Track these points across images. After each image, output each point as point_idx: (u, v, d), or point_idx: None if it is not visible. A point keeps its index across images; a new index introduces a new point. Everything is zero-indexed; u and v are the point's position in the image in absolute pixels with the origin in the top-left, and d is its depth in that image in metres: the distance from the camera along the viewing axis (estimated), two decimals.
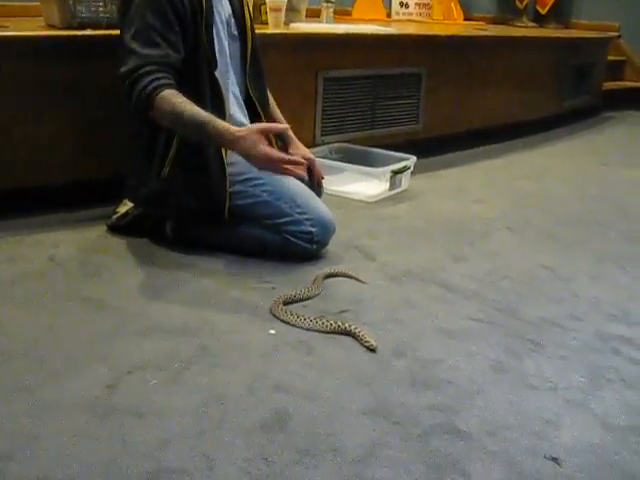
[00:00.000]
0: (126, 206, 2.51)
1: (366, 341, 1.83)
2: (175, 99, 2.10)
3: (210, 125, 2.07)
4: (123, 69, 2.15)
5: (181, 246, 2.42)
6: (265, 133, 2.09)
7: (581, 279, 2.43)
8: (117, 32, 2.34)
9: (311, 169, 2.52)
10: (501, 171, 3.96)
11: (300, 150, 2.56)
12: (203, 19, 2.25)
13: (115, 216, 2.53)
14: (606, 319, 2.12)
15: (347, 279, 2.27)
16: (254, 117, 2.51)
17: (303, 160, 2.18)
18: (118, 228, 2.53)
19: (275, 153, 2.06)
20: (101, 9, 2.62)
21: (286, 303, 2.02)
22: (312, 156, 2.56)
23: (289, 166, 2.07)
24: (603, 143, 5.04)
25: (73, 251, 2.40)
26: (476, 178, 3.75)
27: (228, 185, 2.32)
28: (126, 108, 2.28)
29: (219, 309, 2.01)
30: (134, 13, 2.18)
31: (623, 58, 6.74)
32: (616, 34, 6.40)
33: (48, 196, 2.68)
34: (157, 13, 2.16)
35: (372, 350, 1.81)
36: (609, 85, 6.33)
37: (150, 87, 2.10)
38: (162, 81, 2.12)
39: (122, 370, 1.66)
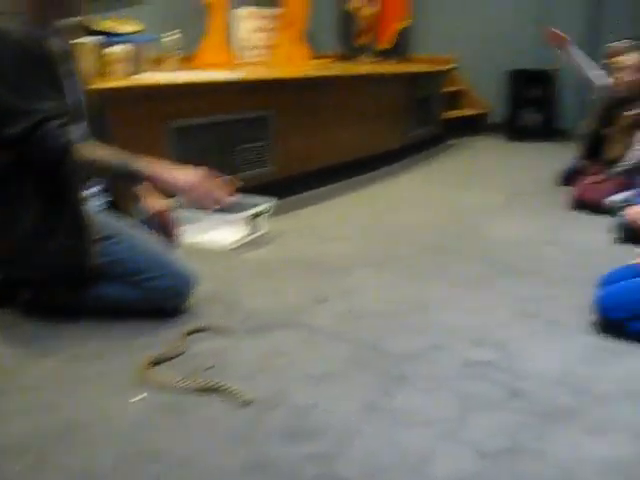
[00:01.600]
0: None
1: (239, 396, 1.80)
2: (89, 151, 2.12)
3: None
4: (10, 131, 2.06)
5: (37, 311, 2.31)
6: None
7: (440, 307, 2.50)
8: None
9: (166, 221, 2.48)
10: (356, 206, 4.04)
11: (154, 202, 2.52)
12: (50, 75, 2.17)
13: None
14: (468, 345, 2.19)
15: (213, 332, 2.23)
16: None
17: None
18: None
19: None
20: None
21: (151, 364, 1.96)
22: (166, 208, 2.52)
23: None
24: (450, 170, 5.26)
25: None
26: (333, 215, 3.82)
27: (88, 244, 2.24)
28: None
29: (82, 378, 1.93)
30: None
31: (460, 88, 7.09)
32: (453, 66, 6.72)
33: None
34: (15, 73, 2.08)
35: (246, 404, 1.78)
36: (450, 114, 6.63)
37: (63, 144, 2.07)
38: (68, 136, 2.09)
39: None
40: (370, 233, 3.47)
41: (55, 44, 2.24)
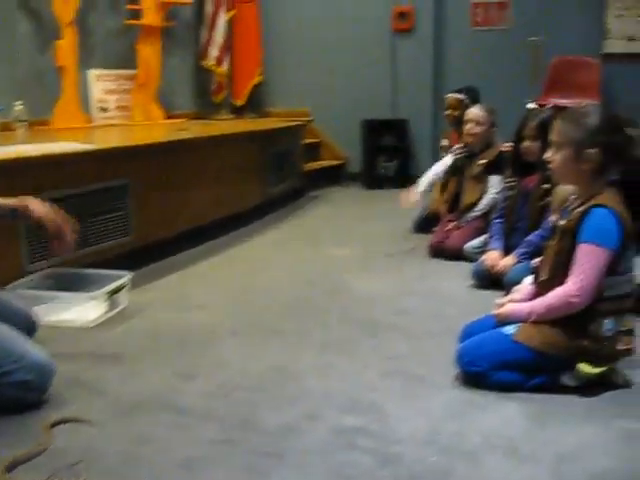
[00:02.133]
0: None
1: None
2: None
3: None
4: None
5: None
6: None
7: (310, 374, 2.50)
8: None
9: (54, 224, 2.38)
10: (220, 269, 4.00)
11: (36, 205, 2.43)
12: None
13: None
14: (339, 412, 2.20)
15: (76, 423, 2.13)
16: None
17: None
18: None
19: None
20: None
21: (10, 468, 1.84)
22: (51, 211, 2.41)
23: None
24: (312, 224, 5.31)
25: None
26: (197, 281, 3.76)
27: None
28: None
29: None
30: None
31: (318, 140, 7.23)
32: (309, 118, 6.86)
33: None
34: None
35: None
36: (309, 166, 6.74)
37: None
38: None
39: None
40: (236, 298, 3.44)
41: None
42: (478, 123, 4.31)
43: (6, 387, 2.15)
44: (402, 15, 6.88)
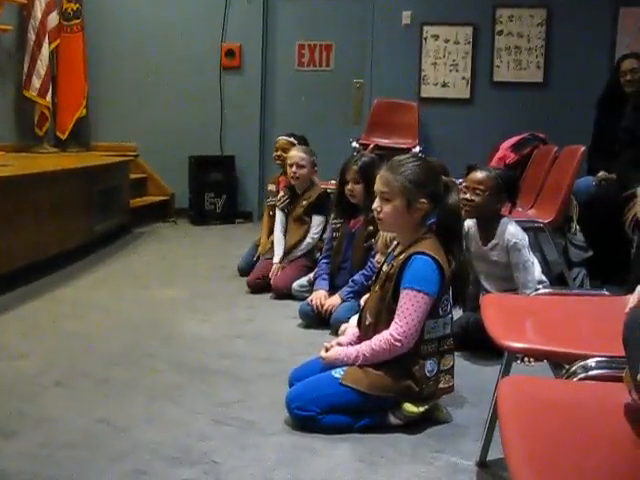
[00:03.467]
0: None
1: None
2: None
3: None
4: None
5: None
6: None
7: (138, 425, 2.44)
8: None
9: None
10: (42, 313, 3.80)
11: None
12: None
13: None
14: (170, 465, 2.17)
15: None
16: None
17: None
18: None
19: None
20: None
21: None
22: None
23: None
24: (139, 263, 5.20)
25: None
26: (16, 328, 3.54)
27: None
28: None
29: None
30: None
31: (144, 175, 7.12)
32: (134, 154, 6.75)
33: None
34: None
35: None
36: (136, 202, 6.62)
37: None
38: None
39: None
40: (59, 345, 3.28)
41: None
42: (300, 166, 4.42)
43: None
44: (230, 52, 6.95)
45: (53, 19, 6.65)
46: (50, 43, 6.64)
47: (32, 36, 6.54)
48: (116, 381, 2.86)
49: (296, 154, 4.46)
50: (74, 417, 2.51)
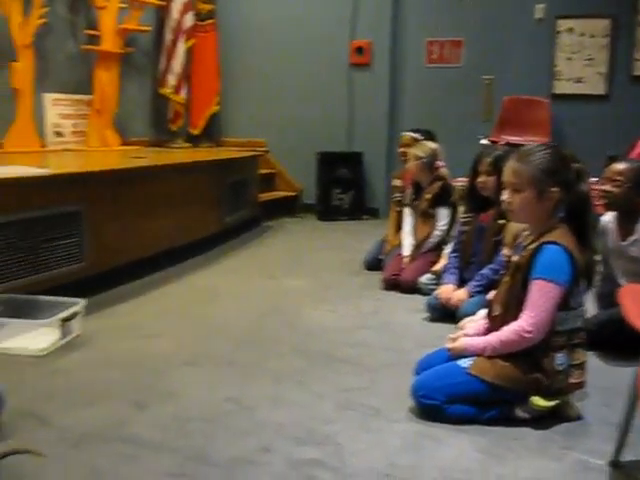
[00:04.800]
0: None
1: None
2: None
3: None
4: None
5: None
6: None
7: (264, 405, 2.48)
8: None
9: None
10: (174, 298, 3.96)
11: None
12: None
13: None
14: (294, 444, 2.18)
15: (24, 455, 2.07)
16: None
17: None
18: None
19: None
20: None
21: None
22: None
23: None
24: (267, 254, 5.30)
25: None
26: (150, 309, 3.71)
27: None
28: None
29: None
30: None
31: (273, 171, 7.25)
32: (264, 149, 6.88)
33: None
34: None
35: None
36: (264, 196, 6.75)
37: None
38: None
39: None
40: (190, 327, 3.40)
41: None
42: (417, 158, 4.39)
43: None
44: (359, 49, 6.97)
45: (189, 19, 6.88)
46: (185, 42, 6.87)
47: (168, 36, 6.81)
48: (243, 363, 2.92)
49: (414, 151, 4.45)
50: (202, 394, 2.58)
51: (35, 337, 2.99)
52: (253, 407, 2.46)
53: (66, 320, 3.04)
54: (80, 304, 3.16)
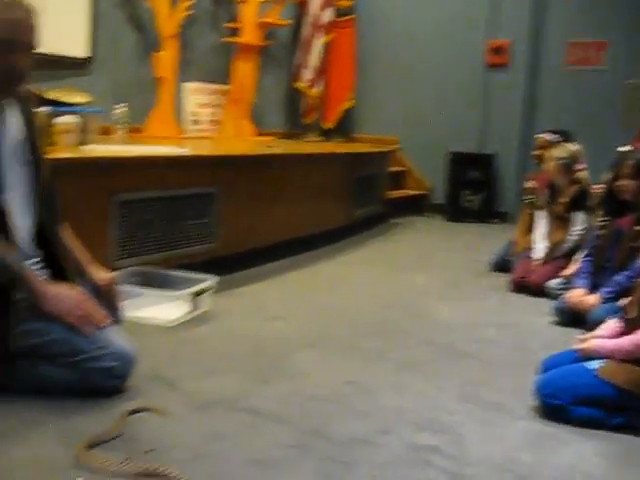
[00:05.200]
0: None
1: None
2: None
3: (29, 280, 2.15)
4: None
5: None
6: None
7: (385, 390, 2.48)
8: None
9: (111, 293, 2.44)
10: (299, 284, 4.03)
11: (99, 275, 2.48)
12: None
13: None
14: (413, 429, 2.17)
15: (152, 414, 2.16)
16: (45, 248, 2.39)
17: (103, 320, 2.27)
18: None
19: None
20: None
21: (90, 447, 1.88)
22: (111, 280, 2.48)
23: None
24: (393, 249, 5.31)
25: None
26: (275, 293, 3.79)
27: (14, 322, 2.16)
28: None
29: (17, 460, 1.83)
30: None
31: (403, 168, 7.23)
32: (396, 147, 6.87)
33: None
34: None
35: None
36: (393, 194, 6.74)
37: None
38: None
39: None
40: (313, 312, 3.45)
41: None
42: (557, 158, 4.27)
43: (92, 372, 2.20)
44: (497, 49, 6.85)
45: (328, 15, 6.95)
46: (323, 37, 6.95)
47: (307, 30, 6.91)
48: (365, 349, 2.93)
49: (554, 152, 4.32)
50: (323, 375, 2.60)
51: (166, 309, 3.10)
52: (374, 391, 2.47)
53: (196, 295, 3.14)
54: (210, 281, 3.26)
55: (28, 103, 2.42)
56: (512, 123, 6.90)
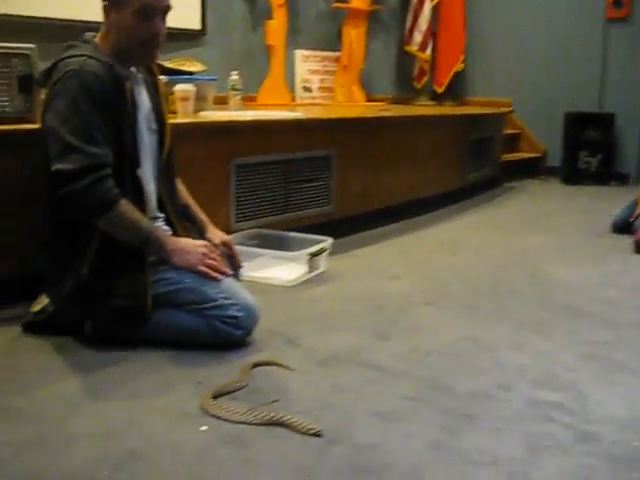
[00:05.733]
0: (41, 303, 2.41)
1: (309, 428, 1.78)
2: (129, 208, 2.20)
3: (159, 239, 2.27)
4: (65, 166, 2.11)
5: (102, 343, 2.32)
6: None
7: (504, 348, 2.46)
8: (26, 127, 2.33)
9: (232, 253, 2.52)
10: (414, 246, 4.02)
11: (217, 235, 2.56)
12: (128, 116, 2.25)
13: (30, 314, 2.43)
14: (534, 386, 2.15)
15: (274, 367, 2.22)
16: (163, 209, 2.49)
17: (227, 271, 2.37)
18: (34, 327, 2.43)
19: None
20: (7, 103, 2.56)
21: (215, 397, 1.96)
22: (230, 239, 2.55)
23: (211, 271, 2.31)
24: (507, 213, 5.21)
25: None
26: (391, 255, 3.80)
27: (149, 280, 2.27)
28: (52, 200, 2.24)
29: (146, 408, 1.93)
30: (68, 106, 2.15)
31: (517, 131, 7.06)
32: (509, 109, 6.70)
33: None
34: (92, 107, 2.16)
35: (317, 435, 1.77)
36: (507, 157, 6.60)
37: (111, 195, 2.16)
38: (116, 189, 2.17)
39: None
40: (429, 273, 3.44)
41: (135, 84, 2.32)
42: None
43: (218, 320, 2.29)
44: (617, 2, 6.54)
45: None
46: (432, 0, 6.83)
47: None
48: (483, 308, 2.91)
49: None
50: (442, 331, 2.61)
51: (284, 269, 3.16)
52: (493, 349, 2.45)
53: (314, 255, 3.19)
54: (327, 242, 3.30)
55: (153, 72, 2.51)
56: (634, 81, 6.60)
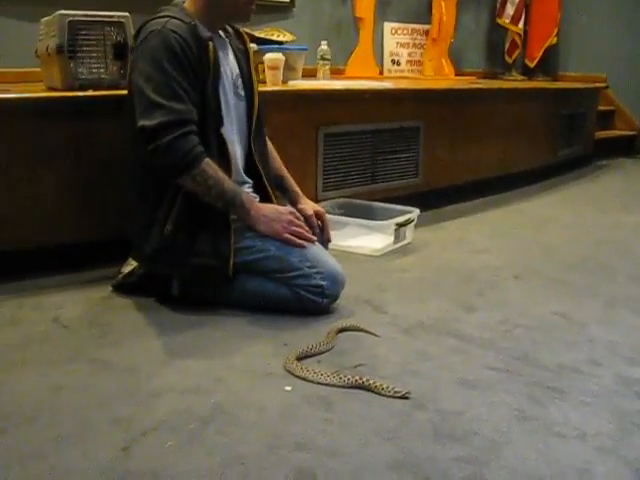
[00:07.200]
0: (131, 265, 2.48)
1: (396, 391, 1.79)
2: (213, 167, 2.21)
3: (244, 203, 2.28)
4: (149, 123, 2.14)
5: (188, 305, 2.37)
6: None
7: (594, 324, 2.40)
8: (120, 92, 2.38)
9: (322, 223, 2.52)
10: (502, 221, 3.95)
11: (308, 205, 2.56)
12: (211, 75, 2.26)
13: (120, 276, 2.50)
14: (625, 363, 2.09)
15: (360, 333, 2.23)
16: (255, 176, 2.50)
17: (313, 238, 2.39)
18: (123, 288, 2.50)
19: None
20: (102, 70, 2.63)
21: (299, 359, 1.97)
22: (322, 210, 2.56)
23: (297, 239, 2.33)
24: (599, 191, 5.06)
25: (78, 312, 2.35)
26: (478, 229, 3.75)
27: (233, 242, 2.29)
28: (138, 161, 2.30)
29: (232, 367, 1.96)
30: (152, 64, 2.19)
31: (612, 108, 6.83)
32: (604, 85, 6.49)
33: (50, 257, 2.65)
34: (175, 65, 2.18)
35: (405, 397, 1.78)
36: (600, 134, 6.40)
37: (196, 151, 2.17)
38: (201, 147, 2.18)
39: (136, 432, 1.60)
40: (518, 247, 3.38)
41: (219, 45, 2.34)
42: None
43: (303, 289, 2.30)
44: None
45: None
46: None
47: None
48: (572, 283, 2.84)
49: None
50: (530, 305, 2.56)
51: (371, 239, 3.16)
52: (583, 324, 2.39)
53: (401, 226, 3.17)
54: (414, 213, 3.28)
55: (243, 40, 2.53)
56: None
